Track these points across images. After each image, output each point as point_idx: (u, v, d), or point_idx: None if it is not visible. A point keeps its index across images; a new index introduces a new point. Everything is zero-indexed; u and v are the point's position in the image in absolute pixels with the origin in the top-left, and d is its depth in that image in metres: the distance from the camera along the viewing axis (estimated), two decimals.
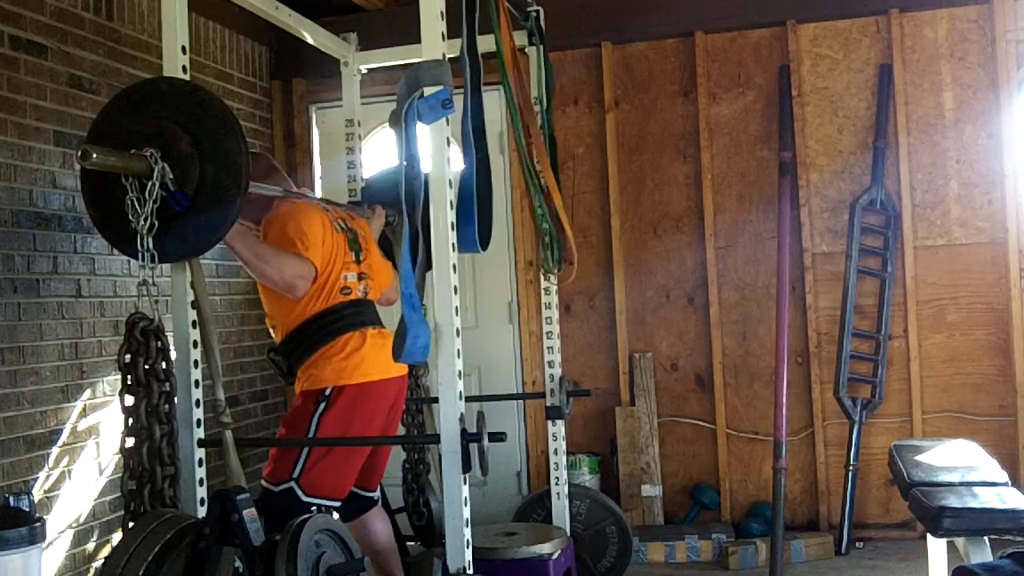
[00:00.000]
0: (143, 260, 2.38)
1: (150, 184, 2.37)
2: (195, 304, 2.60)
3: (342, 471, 3.02)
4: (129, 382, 2.39)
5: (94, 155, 2.26)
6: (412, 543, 3.97)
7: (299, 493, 2.92)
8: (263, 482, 3.00)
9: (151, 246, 2.38)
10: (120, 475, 2.44)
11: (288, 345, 3.07)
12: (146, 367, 2.39)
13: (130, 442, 2.40)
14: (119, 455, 2.42)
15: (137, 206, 2.38)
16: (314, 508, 2.96)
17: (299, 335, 3.03)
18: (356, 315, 3.06)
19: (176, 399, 2.47)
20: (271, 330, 3.17)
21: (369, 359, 3.01)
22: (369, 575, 2.90)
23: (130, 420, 2.40)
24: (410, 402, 3.81)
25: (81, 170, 2.49)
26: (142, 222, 2.37)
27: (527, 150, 3.40)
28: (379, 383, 3.03)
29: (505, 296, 5.01)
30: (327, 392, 2.98)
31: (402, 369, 3.15)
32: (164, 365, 2.42)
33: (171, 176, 2.39)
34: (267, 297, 3.09)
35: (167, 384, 2.43)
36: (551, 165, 3.68)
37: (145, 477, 2.38)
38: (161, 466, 2.40)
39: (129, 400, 2.40)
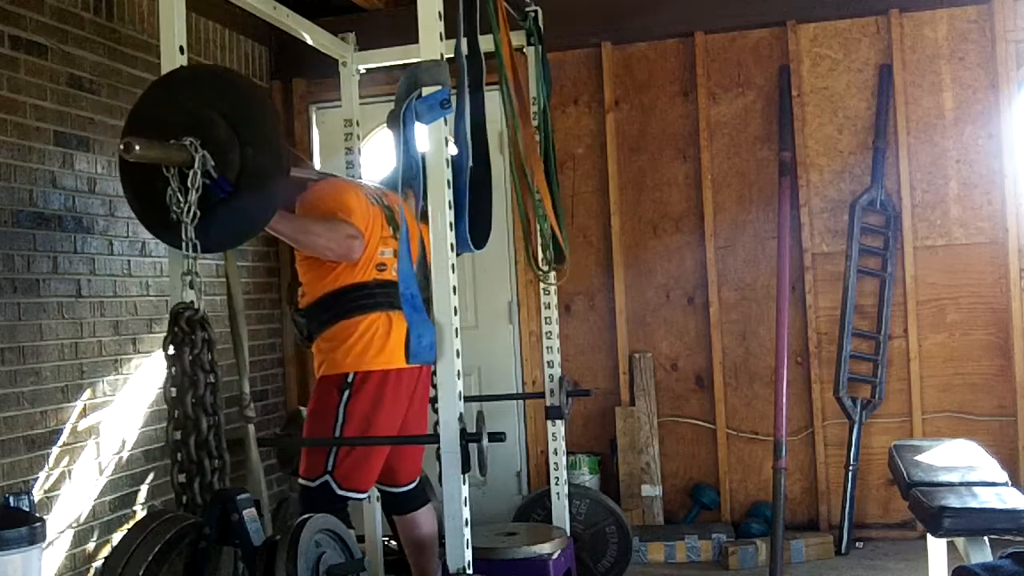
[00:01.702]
0: (187, 250, 2.34)
1: (191, 173, 2.33)
2: (228, 294, 2.60)
3: (372, 462, 3.03)
4: (174, 373, 2.36)
5: (137, 147, 2.22)
6: None
7: (334, 487, 2.95)
8: (300, 479, 3.02)
9: (194, 235, 2.35)
10: (168, 468, 2.40)
11: (314, 310, 3.05)
12: (190, 358, 2.36)
13: (177, 435, 2.36)
14: (167, 445, 2.38)
15: (180, 196, 2.33)
16: (348, 502, 3.02)
17: (326, 302, 3.02)
18: (386, 296, 3.03)
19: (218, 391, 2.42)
20: (300, 297, 3.15)
21: (392, 345, 2.99)
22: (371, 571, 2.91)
23: (176, 412, 2.36)
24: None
25: (120, 161, 2.46)
26: (185, 212, 2.33)
27: (525, 153, 3.38)
28: (403, 370, 3.00)
29: (505, 296, 5.01)
30: (349, 379, 2.97)
31: None
32: (210, 356, 2.39)
33: (212, 164, 2.35)
34: (303, 264, 3.08)
35: (212, 375, 2.40)
36: (548, 166, 3.68)
37: (194, 470, 2.35)
38: (209, 459, 2.37)
39: (174, 391, 2.36)
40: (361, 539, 3.85)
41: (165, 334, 2.37)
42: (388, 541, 3.88)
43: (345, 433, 2.96)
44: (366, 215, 3.00)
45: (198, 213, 2.34)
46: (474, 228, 2.61)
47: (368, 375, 2.97)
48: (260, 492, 2.53)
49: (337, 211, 2.92)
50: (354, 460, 2.97)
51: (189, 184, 2.32)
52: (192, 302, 2.39)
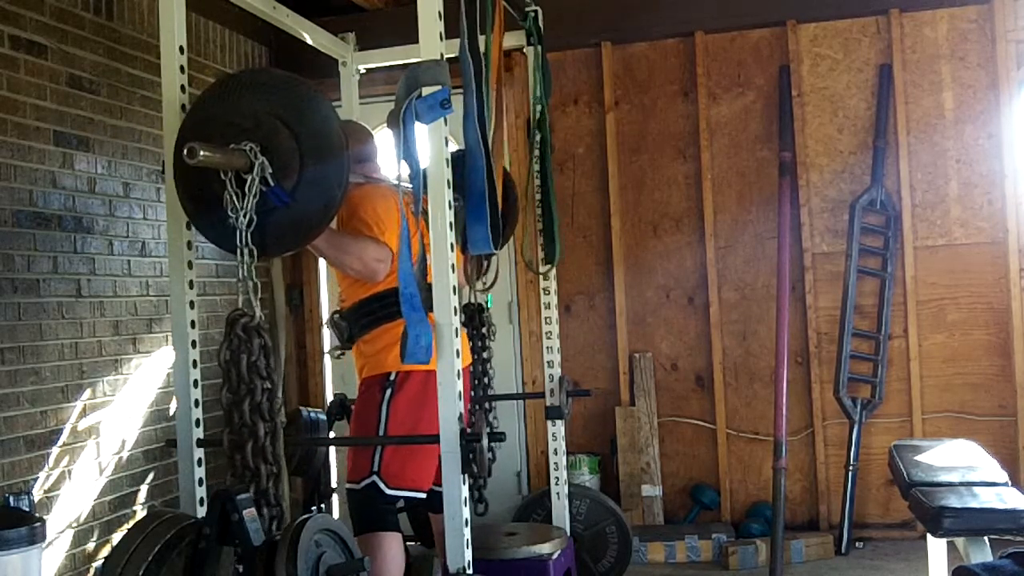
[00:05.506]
0: (242, 256, 2.32)
1: (249, 179, 2.30)
2: (271, 300, 2.57)
3: (422, 460, 2.97)
4: (231, 379, 2.34)
5: (201, 153, 2.19)
6: (412, 543, 3.96)
7: (382, 486, 2.92)
8: (347, 484, 2.99)
9: (250, 241, 2.32)
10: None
11: (355, 313, 3.04)
12: (247, 364, 2.34)
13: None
14: (224, 450, 2.37)
15: (236, 201, 2.31)
16: (400, 502, 2.98)
17: (368, 305, 3.01)
18: (428, 299, 3.05)
19: (277, 396, 2.42)
20: (340, 301, 3.14)
21: (436, 346, 2.99)
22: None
23: (234, 418, 2.36)
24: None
25: (175, 164, 2.43)
26: (241, 218, 2.30)
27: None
28: None
29: (505, 296, 5.01)
30: (392, 377, 2.96)
31: (466, 359, 3.14)
32: (266, 362, 2.37)
33: (270, 171, 2.32)
34: (340, 272, 3.08)
35: (268, 381, 2.38)
36: (545, 166, 3.68)
37: (249, 476, 2.34)
38: (265, 465, 2.36)
39: (230, 397, 2.35)
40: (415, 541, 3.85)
41: (222, 340, 2.35)
42: None
43: (389, 432, 2.94)
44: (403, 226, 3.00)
45: (254, 219, 2.32)
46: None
47: (410, 374, 2.95)
48: (283, 495, 2.53)
49: (373, 225, 2.91)
50: (402, 458, 2.93)
51: (247, 190, 2.30)
52: (246, 310, 2.36)
